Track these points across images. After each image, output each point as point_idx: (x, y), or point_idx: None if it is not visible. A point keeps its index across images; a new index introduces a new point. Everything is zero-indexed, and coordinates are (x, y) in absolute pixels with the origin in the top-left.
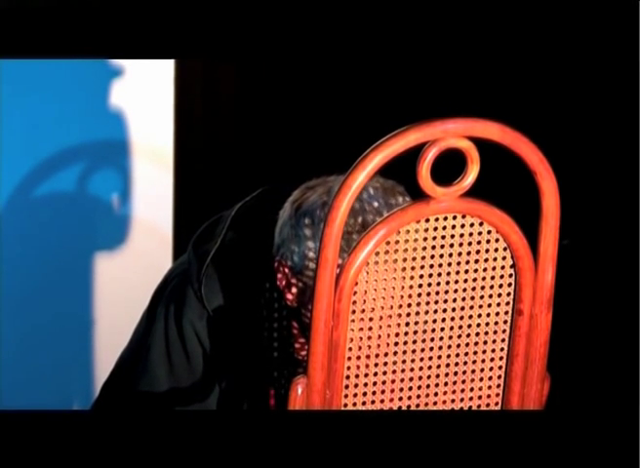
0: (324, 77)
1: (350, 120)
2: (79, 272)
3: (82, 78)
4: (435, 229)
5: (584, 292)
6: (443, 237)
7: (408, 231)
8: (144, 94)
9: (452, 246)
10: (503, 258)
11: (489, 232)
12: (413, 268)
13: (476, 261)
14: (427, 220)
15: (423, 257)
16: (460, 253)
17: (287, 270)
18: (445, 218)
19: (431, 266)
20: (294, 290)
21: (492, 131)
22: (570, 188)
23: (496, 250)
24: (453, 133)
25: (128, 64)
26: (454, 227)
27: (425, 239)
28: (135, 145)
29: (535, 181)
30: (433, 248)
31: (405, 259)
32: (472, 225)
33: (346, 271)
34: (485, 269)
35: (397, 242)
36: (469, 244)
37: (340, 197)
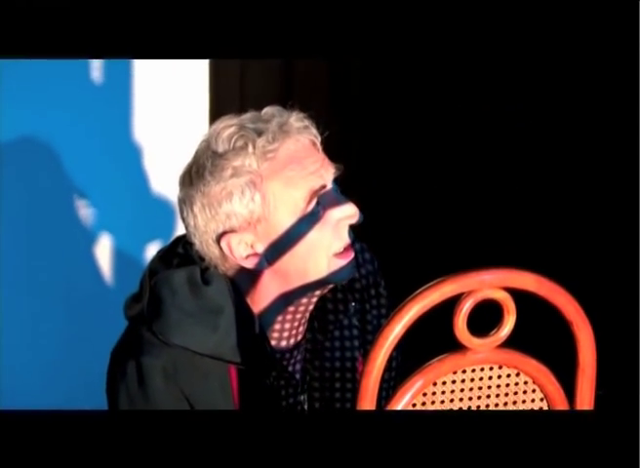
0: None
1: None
2: (90, 273)
3: (114, 79)
4: (472, 380)
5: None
6: (480, 388)
7: (444, 382)
8: (178, 96)
9: (488, 397)
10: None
11: (525, 383)
12: None
13: None
14: (464, 371)
15: (460, 409)
16: (496, 404)
17: (229, 230)
18: (482, 369)
19: None
20: (250, 237)
21: (528, 281)
22: (570, 189)
23: (532, 400)
24: (489, 284)
25: (161, 65)
26: (490, 378)
27: (462, 390)
28: (168, 147)
29: (571, 331)
30: (470, 399)
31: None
32: (509, 376)
33: None
34: None
35: (434, 393)
36: (506, 394)
37: (376, 349)
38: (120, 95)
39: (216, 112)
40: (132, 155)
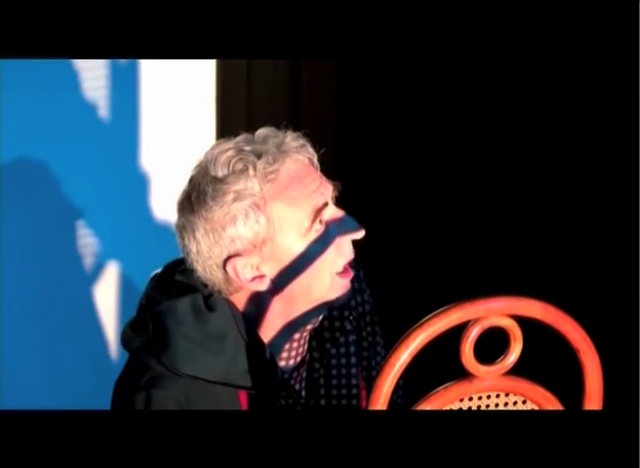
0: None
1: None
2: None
3: (121, 80)
4: (478, 408)
5: (585, 291)
6: None
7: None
8: (186, 97)
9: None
10: None
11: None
12: None
13: None
14: (470, 399)
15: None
16: None
17: (234, 254)
18: (488, 397)
19: None
20: (256, 259)
21: (534, 309)
22: (570, 188)
23: None
24: (495, 311)
25: (168, 65)
26: (497, 405)
27: None
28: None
29: (577, 359)
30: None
31: None
32: (515, 403)
33: None
34: None
35: None
36: None
37: (383, 376)
38: (125, 113)
39: (222, 120)
40: (135, 174)
